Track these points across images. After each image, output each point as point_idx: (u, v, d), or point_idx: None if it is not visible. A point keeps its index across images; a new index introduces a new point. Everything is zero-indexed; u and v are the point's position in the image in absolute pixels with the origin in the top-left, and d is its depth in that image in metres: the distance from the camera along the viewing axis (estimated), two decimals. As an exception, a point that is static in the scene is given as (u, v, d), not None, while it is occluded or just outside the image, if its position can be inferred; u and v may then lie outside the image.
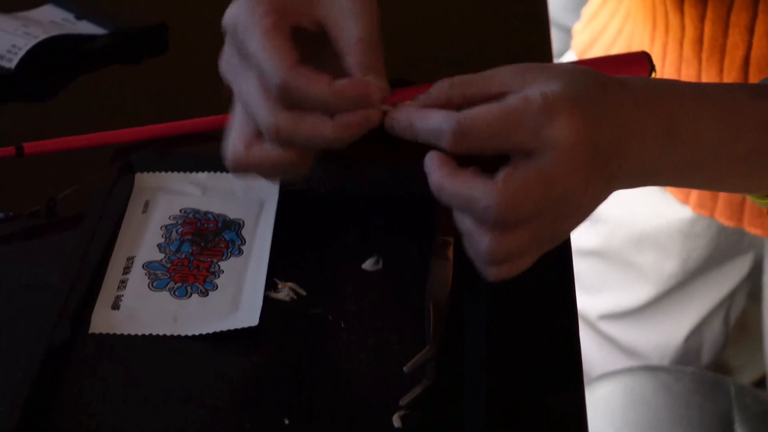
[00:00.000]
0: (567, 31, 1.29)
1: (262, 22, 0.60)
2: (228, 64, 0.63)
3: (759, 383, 1.54)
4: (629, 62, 0.87)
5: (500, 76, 0.59)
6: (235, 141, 0.63)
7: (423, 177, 0.72)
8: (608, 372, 1.08)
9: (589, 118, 0.57)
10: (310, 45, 0.60)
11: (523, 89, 0.58)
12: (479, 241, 0.58)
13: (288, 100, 0.59)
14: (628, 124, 0.59)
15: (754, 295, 1.21)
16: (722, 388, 1.03)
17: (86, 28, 0.90)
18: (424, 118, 0.58)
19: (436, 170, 0.58)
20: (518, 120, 0.56)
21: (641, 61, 0.87)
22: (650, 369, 1.07)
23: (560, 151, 0.56)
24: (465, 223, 0.59)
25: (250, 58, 0.60)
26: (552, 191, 0.57)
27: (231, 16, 0.62)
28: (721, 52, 0.93)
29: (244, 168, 0.63)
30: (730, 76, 0.93)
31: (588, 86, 0.58)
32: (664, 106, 0.61)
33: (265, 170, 0.63)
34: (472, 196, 0.57)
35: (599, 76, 0.59)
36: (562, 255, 0.72)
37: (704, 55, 0.95)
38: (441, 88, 0.60)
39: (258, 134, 0.62)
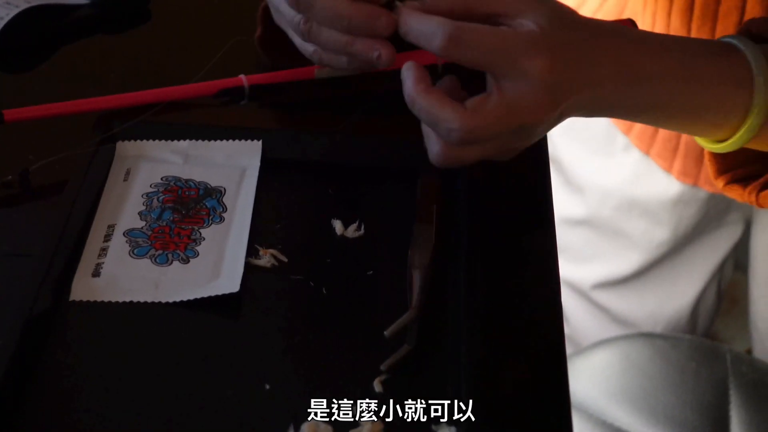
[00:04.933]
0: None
1: None
2: None
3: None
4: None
5: None
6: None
7: (406, 148, 0.73)
8: (605, 339, 1.08)
9: (560, 60, 0.62)
10: None
11: (516, 17, 0.63)
12: (434, 145, 0.64)
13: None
14: (587, 62, 0.64)
15: (743, 266, 1.21)
16: (719, 356, 1.03)
17: (68, -3, 0.90)
18: (421, 19, 0.63)
19: (412, 83, 0.63)
20: (506, 46, 0.62)
21: (626, 28, 0.86)
22: (647, 336, 1.06)
23: (530, 84, 0.62)
24: (426, 128, 0.65)
25: None
26: (512, 124, 0.63)
27: None
28: (713, 19, 0.92)
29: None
30: None
31: (566, 27, 0.64)
32: (622, 48, 0.65)
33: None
34: (441, 117, 0.62)
35: (576, 18, 0.65)
36: (544, 219, 0.72)
37: (694, 24, 0.94)
38: None
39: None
